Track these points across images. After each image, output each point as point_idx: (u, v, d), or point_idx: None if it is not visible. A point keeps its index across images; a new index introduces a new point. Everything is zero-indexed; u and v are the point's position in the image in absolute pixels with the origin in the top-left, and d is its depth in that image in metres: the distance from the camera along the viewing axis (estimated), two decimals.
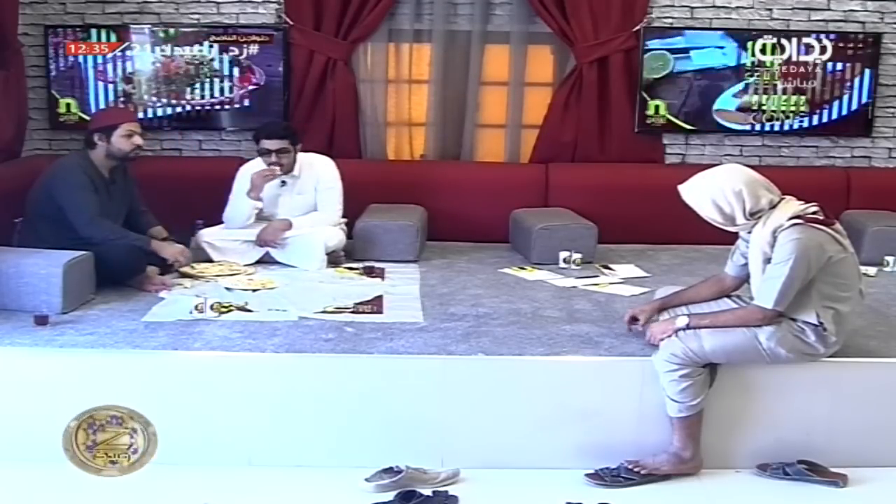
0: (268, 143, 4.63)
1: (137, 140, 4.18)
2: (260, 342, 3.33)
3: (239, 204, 4.68)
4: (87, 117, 5.41)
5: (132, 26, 5.45)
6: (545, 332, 3.52)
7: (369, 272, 4.54)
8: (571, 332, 3.54)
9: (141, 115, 5.46)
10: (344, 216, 4.87)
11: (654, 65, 5.53)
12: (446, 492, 2.96)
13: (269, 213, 4.78)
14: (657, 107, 5.59)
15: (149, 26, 5.44)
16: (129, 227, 4.24)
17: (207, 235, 4.62)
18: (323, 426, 3.17)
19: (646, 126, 5.63)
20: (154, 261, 4.18)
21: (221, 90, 5.50)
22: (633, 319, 3.39)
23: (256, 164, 4.77)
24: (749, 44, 5.50)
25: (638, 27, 5.50)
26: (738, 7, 5.57)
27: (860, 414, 3.22)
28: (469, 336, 3.46)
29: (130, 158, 4.22)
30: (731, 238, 3.32)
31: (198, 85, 5.50)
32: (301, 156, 4.77)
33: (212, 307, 3.67)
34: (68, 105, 5.48)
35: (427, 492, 2.94)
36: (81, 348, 3.25)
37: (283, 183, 4.74)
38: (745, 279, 3.28)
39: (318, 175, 4.78)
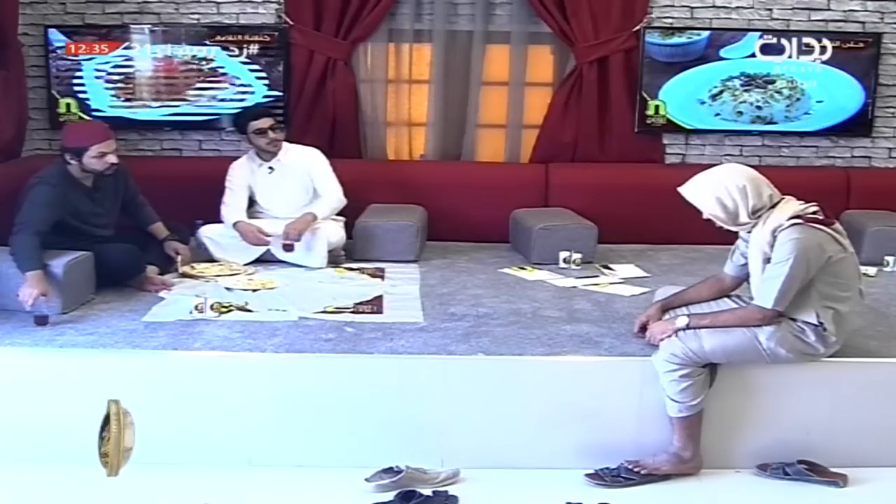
0: (260, 123, 4.67)
1: (110, 159, 4.00)
2: (260, 342, 3.33)
3: (237, 197, 4.71)
4: (86, 117, 5.42)
5: (132, 26, 5.44)
6: (545, 332, 3.52)
7: (370, 273, 4.53)
8: (571, 332, 3.54)
9: (141, 115, 5.47)
10: (344, 215, 4.88)
11: None
12: (446, 492, 2.96)
13: (267, 206, 4.79)
14: (657, 107, 5.59)
15: (149, 26, 5.44)
16: (129, 221, 4.24)
17: (209, 231, 4.63)
18: (323, 426, 3.17)
19: (646, 126, 5.62)
20: (154, 261, 4.18)
21: (221, 90, 5.50)
22: (643, 328, 3.34)
23: (246, 162, 4.79)
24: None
25: (638, 27, 5.50)
26: (738, 7, 5.56)
27: (860, 414, 3.22)
28: (469, 336, 3.46)
29: (107, 175, 4.08)
30: (730, 238, 3.32)
31: (198, 85, 5.50)
32: (284, 144, 4.81)
33: (212, 307, 3.67)
34: (68, 105, 5.47)
35: (427, 492, 2.94)
36: (81, 348, 3.25)
37: (271, 169, 4.76)
38: (744, 279, 3.28)
39: (310, 164, 4.80)
